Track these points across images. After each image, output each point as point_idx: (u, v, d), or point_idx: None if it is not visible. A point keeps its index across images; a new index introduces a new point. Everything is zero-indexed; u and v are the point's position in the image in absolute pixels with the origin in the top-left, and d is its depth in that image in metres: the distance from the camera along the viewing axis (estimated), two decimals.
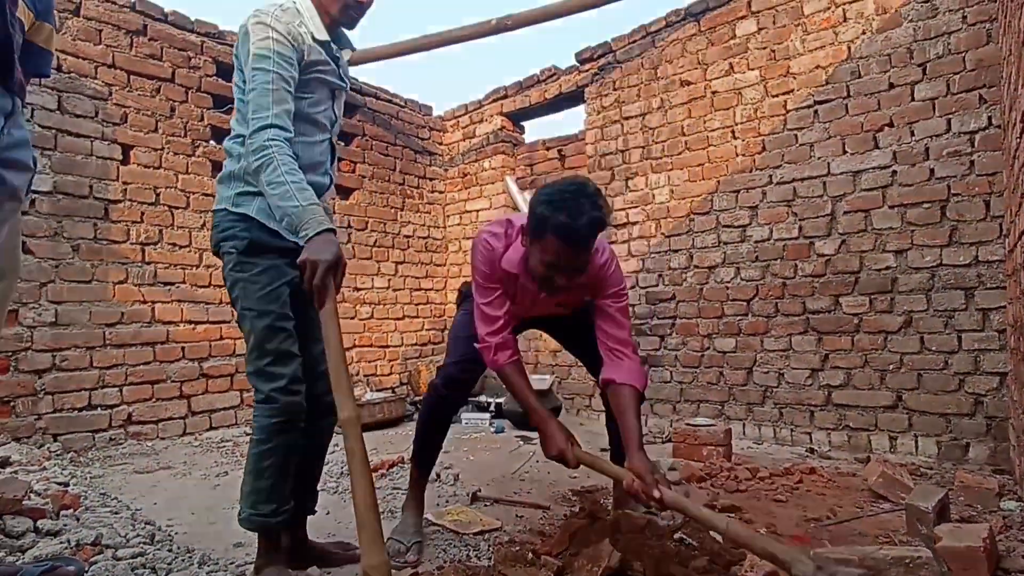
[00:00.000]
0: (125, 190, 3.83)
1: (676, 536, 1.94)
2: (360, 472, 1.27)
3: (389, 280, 5.40)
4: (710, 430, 3.31)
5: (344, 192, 5.16)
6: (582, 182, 1.78)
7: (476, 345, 2.00)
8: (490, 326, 1.95)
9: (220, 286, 4.15)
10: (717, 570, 1.75)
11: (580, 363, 2.45)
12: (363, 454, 1.30)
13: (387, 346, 5.35)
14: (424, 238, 5.76)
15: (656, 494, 1.64)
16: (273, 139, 1.58)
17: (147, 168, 3.95)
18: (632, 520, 1.98)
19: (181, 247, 4.08)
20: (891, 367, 3.39)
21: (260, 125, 1.59)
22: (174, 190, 4.07)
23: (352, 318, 5.08)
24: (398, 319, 5.43)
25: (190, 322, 4.07)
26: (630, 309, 2.07)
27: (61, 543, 1.74)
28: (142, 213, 3.90)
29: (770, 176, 3.90)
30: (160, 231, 3.98)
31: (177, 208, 4.08)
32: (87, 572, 1.55)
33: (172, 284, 4.00)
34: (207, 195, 4.12)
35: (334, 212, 4.94)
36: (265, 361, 1.72)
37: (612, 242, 4.68)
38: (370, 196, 5.33)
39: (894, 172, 3.44)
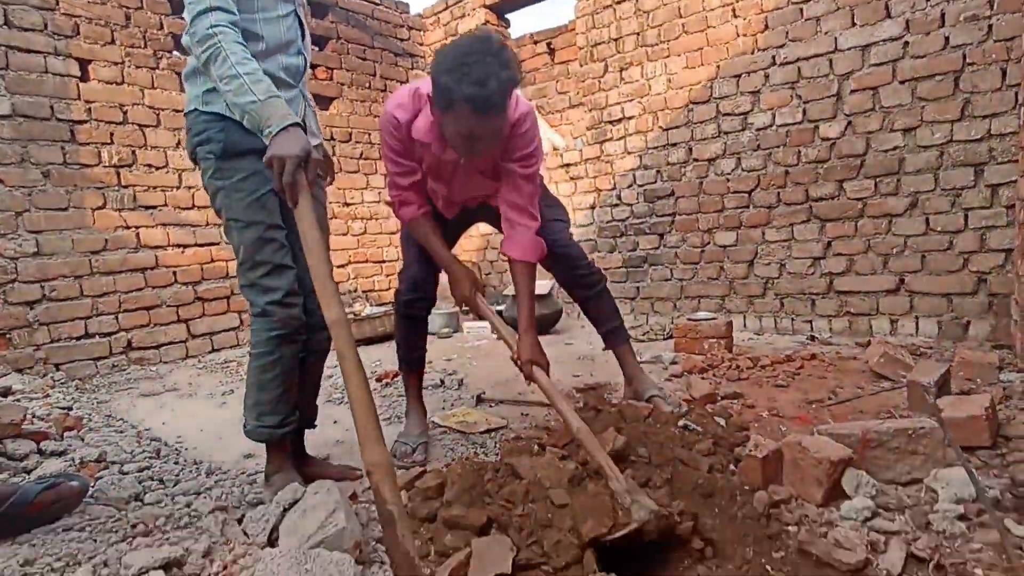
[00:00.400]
0: (89, 109, 3.61)
1: (680, 423, 1.95)
2: (353, 373, 1.23)
3: (379, 193, 5.24)
4: (711, 323, 3.30)
5: (323, 102, 4.89)
6: (483, 38, 1.62)
7: (387, 202, 2.00)
8: (396, 190, 1.96)
9: (204, 207, 4.02)
10: (721, 451, 1.77)
11: None
12: (354, 355, 1.25)
13: (383, 261, 5.28)
14: None
15: (527, 374, 1.85)
16: (216, 25, 1.41)
17: (109, 85, 3.70)
18: (636, 409, 1.98)
19: (158, 168, 3.90)
20: (894, 251, 3.33)
21: (200, 9, 1.41)
22: (142, 107, 3.83)
23: (344, 234, 4.98)
24: (392, 233, 5.32)
25: (178, 246, 3.97)
26: (540, 178, 2.01)
27: (65, 462, 1.75)
28: (111, 134, 3.70)
29: (773, 57, 3.66)
30: (133, 152, 3.79)
31: (148, 127, 3.86)
32: (93, 487, 1.56)
33: (154, 207, 3.87)
34: (178, 111, 3.89)
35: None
36: (258, 274, 1.64)
37: (607, 139, 4.49)
38: (351, 105, 5.06)
39: (906, 43, 3.22)
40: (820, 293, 3.62)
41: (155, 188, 3.88)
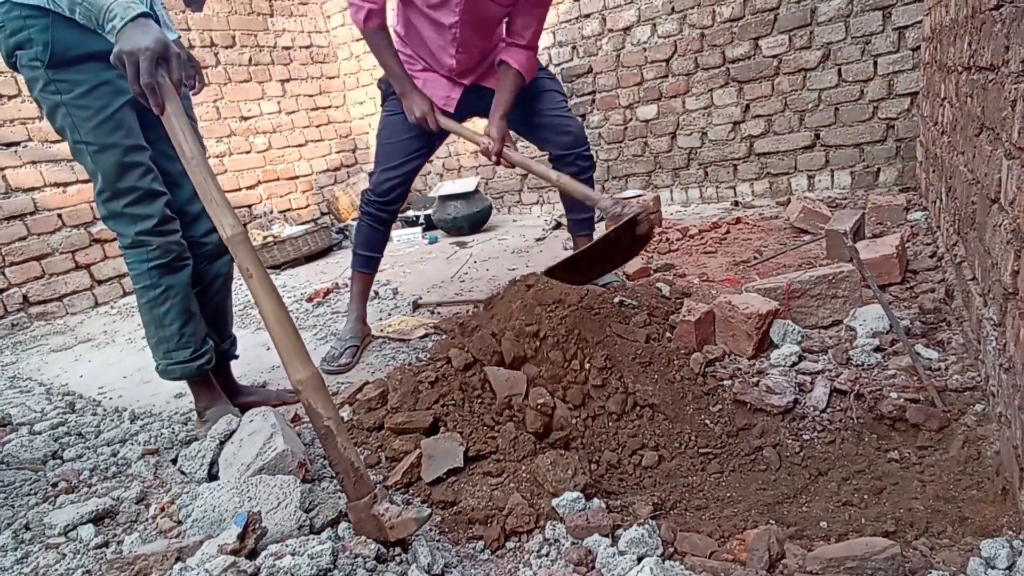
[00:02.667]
0: None
1: (616, 300, 1.96)
2: (262, 290, 1.12)
3: (279, 103, 4.79)
4: (639, 200, 3.29)
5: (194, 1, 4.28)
6: None
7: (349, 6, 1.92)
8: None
9: None
10: (656, 321, 1.80)
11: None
12: (261, 271, 1.13)
13: (296, 177, 4.93)
14: (307, 47, 5.02)
15: (497, 151, 1.94)
16: None
17: None
18: (574, 291, 1.97)
19: (10, 97, 3.38)
20: (810, 106, 3.36)
21: None
22: None
23: (248, 152, 4.58)
24: (300, 146, 4.94)
25: (57, 185, 3.54)
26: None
27: None
28: None
29: None
30: None
31: None
32: (0, 452, 1.44)
33: (16, 144, 3.39)
34: None
35: (188, 29, 4.18)
36: (123, 203, 1.46)
37: None
38: (229, 3, 4.47)
39: None
40: (741, 158, 3.66)
41: (12, 122, 3.38)
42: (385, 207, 2.17)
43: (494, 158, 1.96)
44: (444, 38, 1.95)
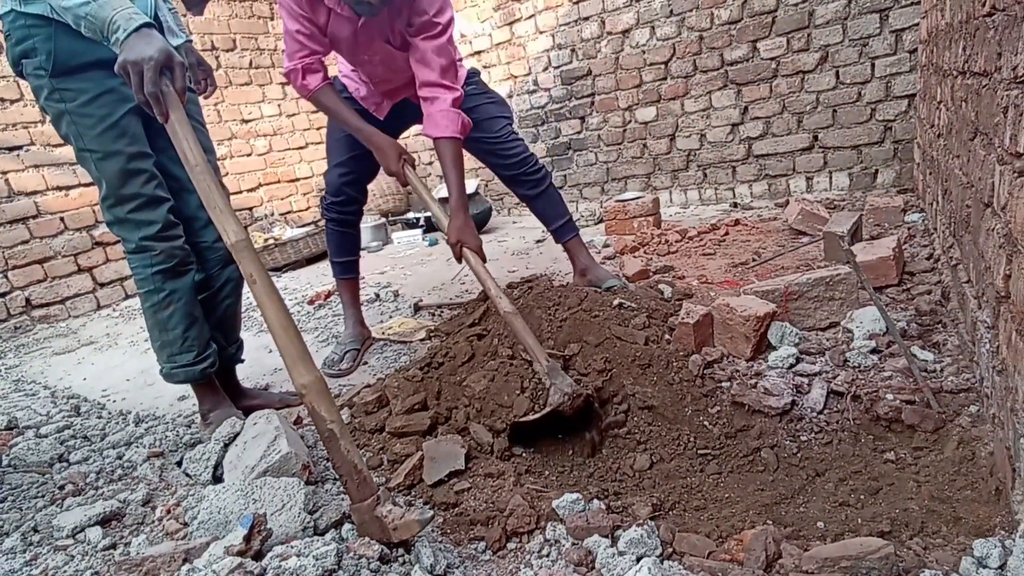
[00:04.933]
0: None
1: (616, 302, 1.98)
2: (266, 296, 1.14)
3: (279, 105, 4.81)
4: (639, 202, 3.31)
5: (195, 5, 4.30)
6: None
7: (283, 73, 1.85)
8: (298, 56, 1.77)
9: None
10: (655, 324, 1.82)
11: None
12: (264, 277, 1.15)
13: (297, 179, 4.95)
14: None
15: (456, 255, 1.80)
16: None
17: None
18: (574, 294, 1.99)
19: (12, 102, 3.40)
20: (808, 108, 3.37)
21: None
22: None
23: (248, 155, 4.60)
24: (301, 148, 4.96)
25: (59, 189, 3.56)
26: (452, 48, 1.85)
27: None
28: None
29: None
30: None
31: None
32: (8, 455, 1.45)
33: (18, 148, 3.41)
34: None
35: (189, 32, 4.19)
36: (127, 209, 1.48)
37: (516, 20, 4.22)
38: (229, 6, 4.49)
39: None
40: (740, 160, 3.67)
41: (14, 126, 3.40)
42: (343, 207, 2.14)
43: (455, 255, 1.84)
44: (360, 72, 1.94)
